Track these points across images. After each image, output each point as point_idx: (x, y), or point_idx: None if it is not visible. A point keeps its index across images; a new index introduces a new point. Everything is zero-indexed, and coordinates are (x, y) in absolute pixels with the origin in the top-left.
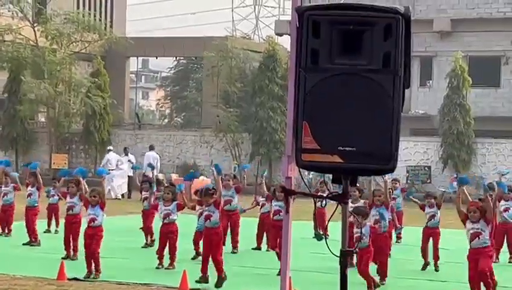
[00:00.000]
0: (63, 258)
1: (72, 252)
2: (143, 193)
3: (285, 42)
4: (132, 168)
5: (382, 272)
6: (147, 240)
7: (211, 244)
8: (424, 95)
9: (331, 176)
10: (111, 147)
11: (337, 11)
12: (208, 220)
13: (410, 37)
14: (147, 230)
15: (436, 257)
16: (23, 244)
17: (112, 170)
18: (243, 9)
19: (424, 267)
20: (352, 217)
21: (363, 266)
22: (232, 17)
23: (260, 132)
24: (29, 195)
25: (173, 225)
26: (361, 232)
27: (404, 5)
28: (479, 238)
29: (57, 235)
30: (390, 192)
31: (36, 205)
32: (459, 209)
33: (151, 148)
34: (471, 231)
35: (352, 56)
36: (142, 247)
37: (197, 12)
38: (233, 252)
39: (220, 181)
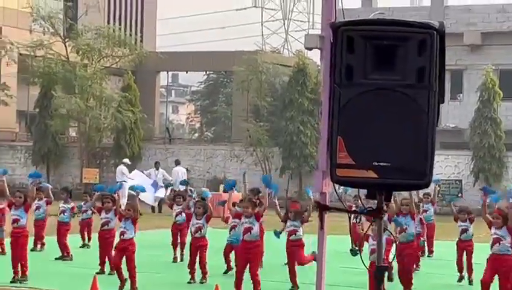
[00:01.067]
0: (97, 273)
1: (105, 267)
2: (174, 207)
3: (315, 56)
4: (166, 186)
5: (407, 280)
6: (175, 254)
7: (248, 258)
8: (455, 109)
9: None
10: (125, 160)
11: (372, 26)
12: (248, 233)
13: (444, 52)
14: (181, 245)
15: (470, 271)
16: (56, 258)
17: (124, 181)
18: (272, 23)
19: (459, 280)
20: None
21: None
22: (262, 32)
23: (290, 146)
24: (38, 208)
25: (203, 239)
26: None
27: (434, 19)
28: (499, 243)
29: (88, 250)
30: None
31: (68, 220)
32: (484, 216)
33: (177, 163)
34: (493, 236)
35: (386, 71)
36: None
37: (226, 27)
38: None
39: (267, 196)
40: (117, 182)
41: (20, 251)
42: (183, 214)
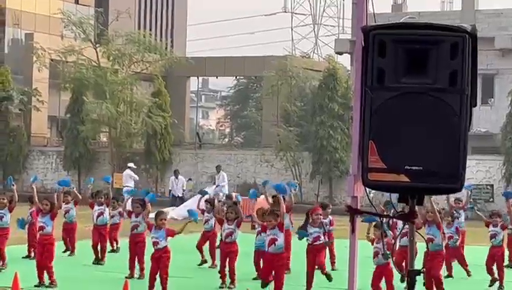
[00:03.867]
0: (126, 277)
1: (136, 272)
2: (205, 214)
3: (345, 61)
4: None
5: (437, 287)
6: (204, 259)
7: (273, 269)
8: (486, 113)
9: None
10: (130, 164)
11: (403, 30)
12: (273, 245)
13: (476, 56)
14: (210, 252)
15: (500, 276)
16: (93, 263)
17: (128, 186)
18: (302, 28)
19: (491, 284)
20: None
21: (375, 281)
22: (292, 36)
23: (320, 151)
24: (67, 211)
25: (234, 244)
26: (382, 247)
27: (465, 23)
28: None
29: (117, 255)
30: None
31: (106, 222)
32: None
33: (176, 173)
34: None
35: (418, 75)
36: (205, 266)
37: (256, 32)
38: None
39: (283, 201)
40: (125, 186)
41: (44, 260)
42: (211, 221)
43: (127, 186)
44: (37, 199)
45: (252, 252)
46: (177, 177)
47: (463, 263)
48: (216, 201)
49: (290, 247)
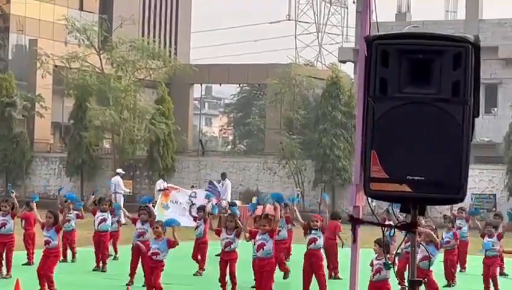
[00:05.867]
0: (127, 284)
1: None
2: (197, 221)
3: (349, 69)
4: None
5: None
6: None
7: (261, 274)
8: (489, 123)
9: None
10: (119, 170)
11: (406, 40)
12: (261, 249)
13: (479, 66)
14: (199, 261)
15: (495, 287)
16: (93, 270)
17: (118, 193)
18: (306, 36)
19: None
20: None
21: None
22: (295, 44)
23: (323, 159)
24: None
25: (233, 253)
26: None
27: (469, 32)
28: None
29: (116, 262)
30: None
31: (108, 229)
32: None
33: (162, 177)
34: None
35: (421, 85)
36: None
37: (260, 40)
38: None
39: (279, 209)
40: (113, 193)
41: (46, 269)
42: (201, 227)
43: (116, 192)
44: (39, 217)
45: (248, 260)
46: (224, 180)
47: (451, 267)
48: (209, 207)
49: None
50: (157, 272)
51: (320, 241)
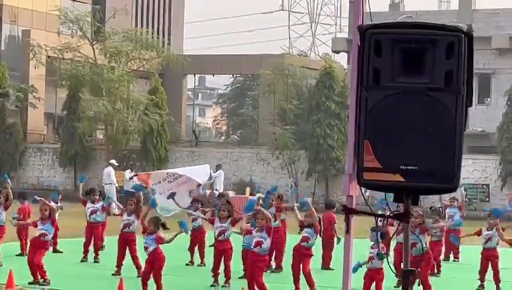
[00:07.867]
0: (113, 274)
1: (133, 270)
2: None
3: (342, 59)
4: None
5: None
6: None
7: (253, 269)
8: (482, 113)
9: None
10: (112, 161)
11: (399, 29)
12: (259, 246)
13: (472, 56)
14: (200, 250)
15: (496, 279)
16: (81, 261)
17: (109, 184)
18: (299, 26)
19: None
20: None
21: (366, 283)
22: (289, 35)
23: (317, 149)
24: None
25: (227, 242)
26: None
27: (462, 22)
28: None
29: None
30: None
31: (100, 219)
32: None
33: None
34: None
35: (414, 74)
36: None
37: (253, 30)
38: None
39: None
40: (105, 184)
41: (37, 257)
42: (199, 219)
43: (108, 183)
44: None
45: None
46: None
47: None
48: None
49: (285, 242)
50: (158, 266)
51: (312, 241)
